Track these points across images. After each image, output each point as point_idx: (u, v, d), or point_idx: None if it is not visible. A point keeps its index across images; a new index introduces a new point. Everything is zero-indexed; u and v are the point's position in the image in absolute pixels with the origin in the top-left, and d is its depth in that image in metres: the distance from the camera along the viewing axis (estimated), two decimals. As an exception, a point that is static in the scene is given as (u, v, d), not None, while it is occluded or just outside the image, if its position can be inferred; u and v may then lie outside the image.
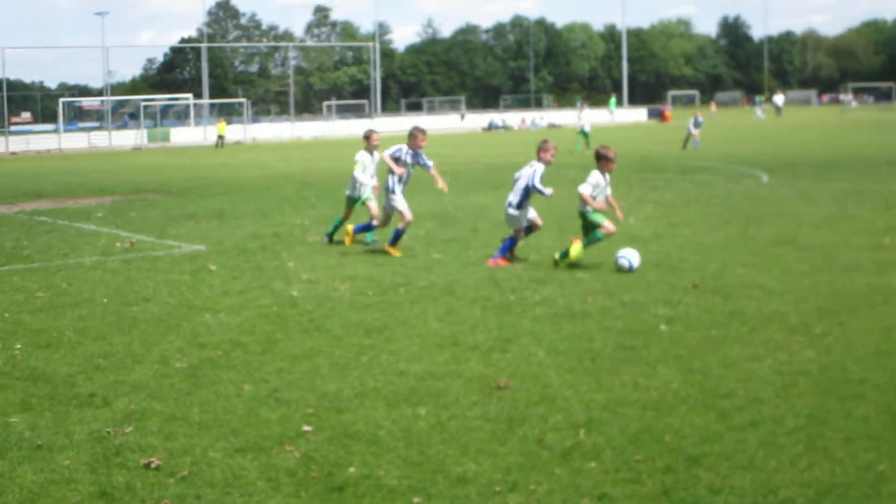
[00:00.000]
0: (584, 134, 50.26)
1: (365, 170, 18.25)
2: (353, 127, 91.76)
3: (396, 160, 17.04)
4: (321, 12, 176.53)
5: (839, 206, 21.82)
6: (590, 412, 8.21)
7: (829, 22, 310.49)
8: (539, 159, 15.77)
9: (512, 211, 15.82)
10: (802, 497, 6.49)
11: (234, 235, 20.04)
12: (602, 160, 14.98)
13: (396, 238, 16.99)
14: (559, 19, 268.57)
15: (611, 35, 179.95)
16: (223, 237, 19.81)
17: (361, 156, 18.23)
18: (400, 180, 17.11)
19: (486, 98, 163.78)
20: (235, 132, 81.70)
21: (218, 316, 12.39)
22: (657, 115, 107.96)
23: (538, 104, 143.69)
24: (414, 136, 17.19)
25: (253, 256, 17.15)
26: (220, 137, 72.63)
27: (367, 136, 18.38)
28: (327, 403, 8.64)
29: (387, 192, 17.23)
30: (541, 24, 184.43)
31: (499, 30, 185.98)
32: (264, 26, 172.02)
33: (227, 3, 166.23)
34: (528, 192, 15.70)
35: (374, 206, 18.13)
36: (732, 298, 12.52)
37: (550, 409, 8.30)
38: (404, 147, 17.17)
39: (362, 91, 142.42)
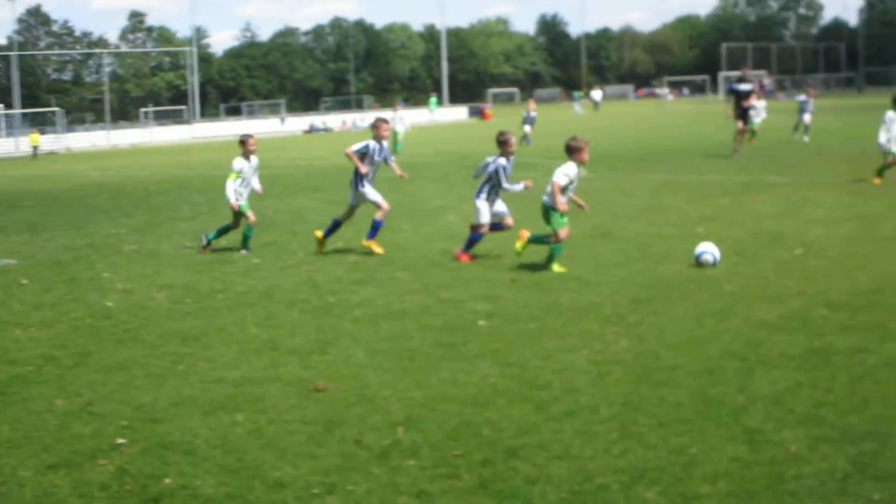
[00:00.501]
0: (395, 134, 49.50)
1: (242, 176, 17.48)
2: (172, 133, 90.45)
3: (363, 156, 16.55)
4: (136, 17, 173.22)
5: (654, 198, 22.28)
6: (408, 410, 8.21)
7: (644, 18, 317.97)
8: (501, 154, 15.61)
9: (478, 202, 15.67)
10: (616, 483, 6.59)
11: (46, 248, 19.50)
12: (575, 152, 14.42)
13: (375, 231, 16.62)
14: (378, 20, 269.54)
15: (430, 35, 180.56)
16: (35, 250, 19.26)
17: (238, 163, 17.47)
18: (365, 176, 16.64)
19: (306, 101, 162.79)
20: (49, 142, 79.62)
21: (29, 331, 12.03)
22: (477, 113, 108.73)
23: (359, 105, 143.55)
24: (378, 127, 16.70)
25: (66, 268, 16.70)
26: (35, 148, 70.78)
27: (243, 142, 17.68)
28: (142, 414, 8.47)
29: (354, 187, 16.73)
30: (360, 25, 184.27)
31: (318, 32, 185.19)
32: (78, 33, 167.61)
33: (38, 10, 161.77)
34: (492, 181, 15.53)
35: (251, 215, 17.54)
36: (549, 291, 12.68)
37: (369, 410, 8.28)
38: (371, 143, 16.61)
39: (180, 97, 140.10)
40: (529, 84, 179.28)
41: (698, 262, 14.02)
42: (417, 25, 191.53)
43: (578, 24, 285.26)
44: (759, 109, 41.00)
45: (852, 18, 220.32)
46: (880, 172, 23.62)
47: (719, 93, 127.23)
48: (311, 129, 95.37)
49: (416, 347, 10.27)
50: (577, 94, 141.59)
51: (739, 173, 27.48)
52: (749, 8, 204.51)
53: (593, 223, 18.12)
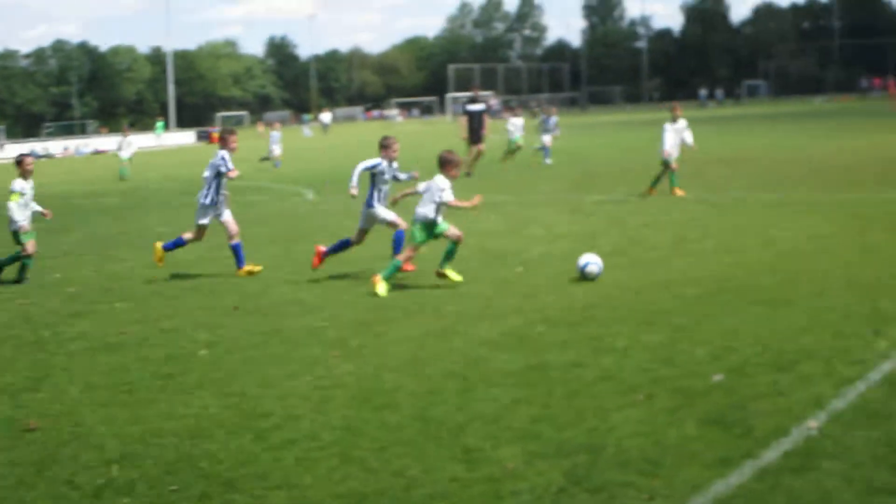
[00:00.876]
0: (125, 161, 47.49)
1: (24, 199, 16.55)
2: None
3: (221, 172, 16.00)
4: None
5: (380, 219, 22.36)
6: (124, 446, 7.96)
7: (373, 40, 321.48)
8: (383, 157, 15.40)
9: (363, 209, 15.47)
10: (336, 510, 6.55)
11: None
12: (447, 165, 14.48)
13: (238, 254, 16.06)
14: (103, 43, 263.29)
15: (157, 57, 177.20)
16: None
17: (19, 184, 16.55)
18: (219, 192, 16.06)
19: (27, 126, 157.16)
20: None
21: None
22: (205, 137, 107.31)
23: (83, 131, 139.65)
24: (226, 140, 16.13)
25: None
26: None
27: (20, 162, 16.81)
28: None
29: (214, 206, 16.06)
30: (84, 48, 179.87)
31: (39, 55, 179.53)
32: None
33: None
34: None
35: (30, 245, 16.48)
36: (273, 317, 12.58)
37: (82, 448, 7.99)
38: (223, 153, 16.01)
39: None
40: (259, 107, 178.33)
41: (583, 275, 14.04)
42: (143, 48, 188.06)
43: (308, 47, 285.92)
44: (518, 127, 41.47)
45: (575, 40, 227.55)
46: (672, 183, 24.45)
47: (447, 113, 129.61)
48: (32, 156, 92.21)
49: (134, 380, 9.98)
50: (306, 116, 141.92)
51: (466, 193, 27.85)
52: (476, 30, 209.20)
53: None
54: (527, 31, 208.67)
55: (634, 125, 77.69)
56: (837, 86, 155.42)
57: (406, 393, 9.02)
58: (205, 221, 16.14)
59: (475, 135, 34.16)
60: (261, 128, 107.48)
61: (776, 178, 27.24)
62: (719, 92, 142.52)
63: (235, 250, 16.06)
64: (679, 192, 24.12)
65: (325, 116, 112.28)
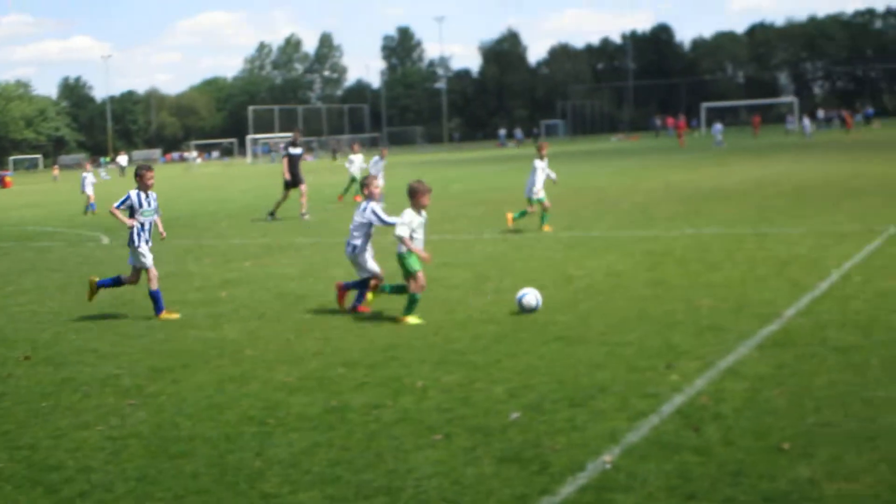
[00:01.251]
0: None
1: None
2: None
3: (130, 210, 15.28)
4: None
5: (179, 264, 22.05)
6: None
7: (171, 80, 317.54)
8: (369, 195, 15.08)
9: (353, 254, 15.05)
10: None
11: None
12: (416, 195, 14.18)
13: (157, 300, 15.29)
14: None
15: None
16: None
17: None
18: (143, 229, 15.38)
19: None
20: None
21: None
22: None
23: None
24: (142, 177, 15.37)
25: None
26: None
27: None
28: None
29: (131, 247, 15.41)
30: None
31: None
32: None
33: None
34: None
35: None
36: (65, 366, 12.21)
37: None
38: (133, 192, 15.33)
39: None
40: (53, 150, 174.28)
41: (521, 307, 13.98)
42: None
43: (103, 88, 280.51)
44: (356, 163, 41.06)
45: (375, 80, 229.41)
46: (519, 215, 25.07)
47: (248, 156, 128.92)
48: None
49: (-84, 436, 9.59)
50: (103, 159, 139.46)
51: (263, 235, 27.75)
52: (275, 71, 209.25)
53: (113, 293, 17.58)
54: (326, 72, 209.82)
55: (435, 165, 78.48)
56: (632, 125, 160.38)
57: (203, 440, 8.88)
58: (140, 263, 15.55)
59: (296, 178, 34.03)
60: (55, 171, 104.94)
61: (573, 217, 27.81)
62: (518, 132, 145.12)
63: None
64: (547, 228, 24.83)
65: (122, 159, 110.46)
